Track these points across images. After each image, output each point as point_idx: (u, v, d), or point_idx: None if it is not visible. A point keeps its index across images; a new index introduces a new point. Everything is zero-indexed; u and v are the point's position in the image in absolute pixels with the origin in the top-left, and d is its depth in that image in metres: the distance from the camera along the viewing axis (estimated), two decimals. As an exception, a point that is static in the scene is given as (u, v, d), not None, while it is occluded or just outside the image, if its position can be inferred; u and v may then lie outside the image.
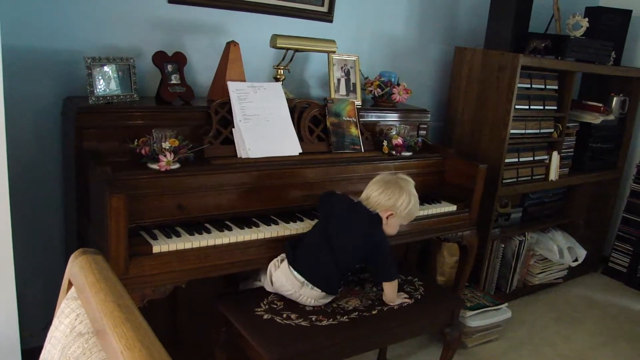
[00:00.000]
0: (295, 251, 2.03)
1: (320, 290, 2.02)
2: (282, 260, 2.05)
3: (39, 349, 1.83)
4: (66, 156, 2.20)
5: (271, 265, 2.06)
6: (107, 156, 2.00)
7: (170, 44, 2.37)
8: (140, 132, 2.05)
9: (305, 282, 2.00)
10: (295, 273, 2.00)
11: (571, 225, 3.79)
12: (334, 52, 2.57)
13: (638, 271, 3.80)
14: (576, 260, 3.53)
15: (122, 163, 2.00)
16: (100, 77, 2.10)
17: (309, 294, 2.01)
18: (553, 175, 3.32)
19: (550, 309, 3.42)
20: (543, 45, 3.05)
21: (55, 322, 0.87)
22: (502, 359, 2.83)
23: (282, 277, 2.02)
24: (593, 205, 3.93)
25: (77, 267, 0.87)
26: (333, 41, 2.54)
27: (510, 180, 3.12)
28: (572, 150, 3.51)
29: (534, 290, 3.55)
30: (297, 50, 2.46)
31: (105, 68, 2.11)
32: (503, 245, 3.31)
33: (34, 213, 2.25)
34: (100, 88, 2.09)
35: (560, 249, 3.47)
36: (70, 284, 0.90)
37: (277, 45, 2.37)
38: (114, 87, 2.14)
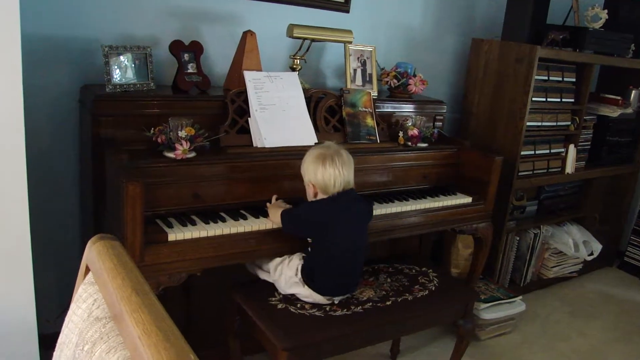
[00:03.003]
0: (322, 279, 1.97)
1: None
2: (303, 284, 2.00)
3: (56, 334, 1.86)
4: (83, 144, 2.22)
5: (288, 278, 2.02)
6: (123, 144, 2.01)
7: (186, 33, 2.37)
8: (157, 120, 2.06)
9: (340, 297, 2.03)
10: (335, 298, 2.02)
11: (586, 219, 3.75)
12: (350, 42, 2.56)
13: (654, 266, 3.77)
14: (591, 254, 3.50)
15: (139, 151, 2.01)
16: (117, 66, 2.10)
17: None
18: (569, 168, 3.29)
19: (564, 303, 3.39)
20: (561, 37, 3.01)
21: (72, 306, 0.88)
22: (515, 352, 2.82)
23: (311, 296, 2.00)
24: (609, 199, 3.89)
25: (94, 253, 0.87)
26: (350, 31, 2.53)
27: (526, 173, 3.09)
28: (589, 143, 3.47)
29: (548, 283, 3.53)
30: (313, 40, 2.46)
31: (122, 57, 2.12)
32: (518, 238, 3.29)
33: (51, 200, 2.27)
34: (117, 76, 2.10)
35: (576, 242, 3.44)
36: (87, 269, 0.91)
37: (294, 34, 2.37)
38: (130, 75, 2.15)
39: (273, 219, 2.01)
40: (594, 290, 3.61)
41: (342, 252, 1.96)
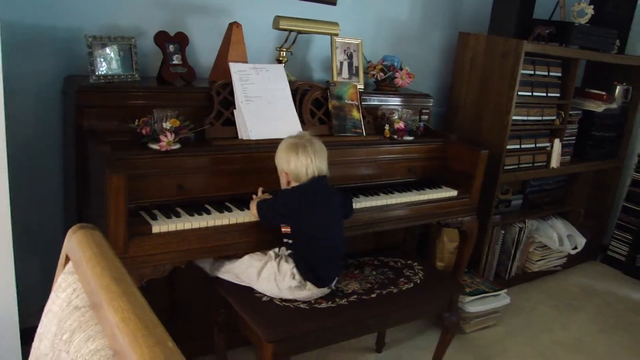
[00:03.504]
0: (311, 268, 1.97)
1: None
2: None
3: (36, 329, 1.84)
4: (66, 134, 2.19)
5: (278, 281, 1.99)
6: (107, 135, 1.99)
7: (172, 24, 2.35)
8: (141, 112, 2.04)
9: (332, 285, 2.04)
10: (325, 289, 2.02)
11: (571, 213, 3.79)
12: (337, 34, 2.55)
13: (637, 260, 3.81)
14: (575, 248, 3.53)
15: (123, 143, 1.99)
16: (101, 56, 2.08)
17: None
18: (554, 162, 3.31)
19: (548, 296, 3.43)
20: (547, 31, 3.03)
21: (52, 296, 0.87)
22: (500, 344, 2.84)
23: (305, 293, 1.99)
24: (593, 193, 3.93)
25: (74, 242, 0.86)
26: (336, 23, 2.52)
27: (511, 167, 3.11)
28: (574, 138, 3.50)
29: (532, 277, 3.56)
30: (299, 32, 2.45)
31: (107, 47, 2.10)
32: (503, 232, 3.31)
33: (33, 191, 2.24)
34: (101, 67, 2.08)
35: (560, 236, 3.47)
36: (67, 259, 0.90)
37: (280, 26, 2.36)
38: (115, 66, 2.13)
39: (252, 211, 2.01)
40: (577, 284, 3.65)
41: (322, 238, 1.98)
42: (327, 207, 2.02)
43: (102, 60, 2.08)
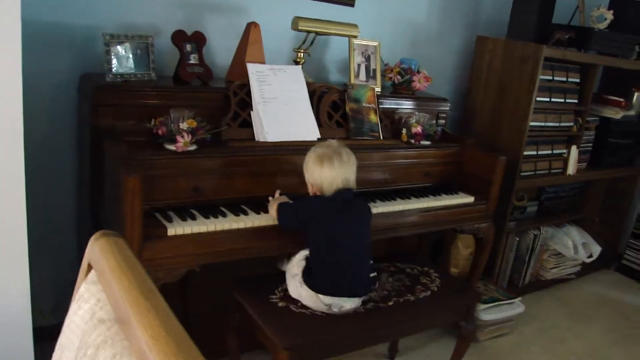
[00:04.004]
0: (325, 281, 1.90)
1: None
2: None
3: (49, 327, 1.82)
4: (81, 133, 2.17)
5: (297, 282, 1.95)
6: (123, 135, 1.97)
7: (189, 24, 2.32)
8: (157, 111, 2.01)
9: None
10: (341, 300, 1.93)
11: (586, 221, 3.74)
12: (356, 36, 2.52)
13: (652, 270, 3.76)
14: (590, 256, 3.48)
15: (138, 143, 1.96)
16: (118, 55, 2.05)
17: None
18: (571, 169, 3.26)
19: (562, 304, 3.38)
20: (567, 37, 2.98)
21: (73, 306, 0.84)
22: (513, 353, 2.79)
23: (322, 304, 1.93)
24: (609, 201, 3.88)
25: (97, 250, 0.83)
26: (355, 25, 2.49)
27: (528, 173, 3.06)
28: (590, 145, 3.45)
29: (546, 285, 3.51)
30: (318, 33, 2.41)
31: (124, 45, 2.07)
32: (518, 239, 3.26)
33: (47, 190, 2.22)
34: (118, 66, 2.05)
35: (575, 244, 3.42)
36: (89, 267, 0.86)
37: (299, 27, 2.32)
38: (131, 65, 2.10)
39: (271, 213, 1.98)
40: (591, 293, 3.60)
41: (342, 251, 1.91)
42: (348, 220, 1.94)
43: (118, 58, 2.06)
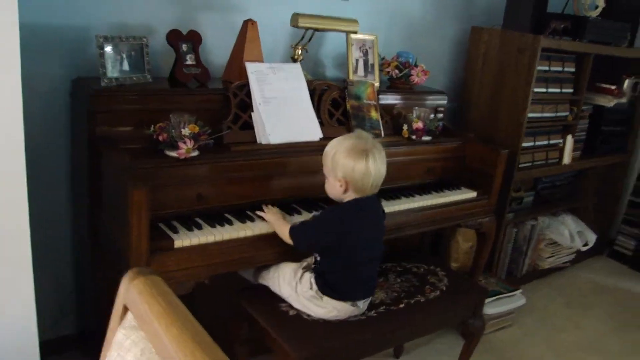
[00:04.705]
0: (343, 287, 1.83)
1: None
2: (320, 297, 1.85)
3: (49, 341, 1.74)
4: (76, 140, 2.08)
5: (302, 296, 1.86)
6: (121, 142, 1.88)
7: (180, 22, 2.23)
8: (156, 116, 1.93)
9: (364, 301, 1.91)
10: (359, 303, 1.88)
11: (580, 209, 3.75)
12: (356, 32, 2.45)
13: (644, 255, 3.80)
14: (586, 244, 3.50)
15: (137, 150, 1.88)
16: (112, 58, 1.96)
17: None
18: (567, 159, 3.26)
19: (559, 293, 3.39)
20: (562, 26, 2.95)
21: (112, 355, 0.77)
22: (517, 345, 2.80)
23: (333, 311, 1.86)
24: (601, 189, 3.89)
25: (135, 292, 0.77)
26: (355, 20, 2.42)
27: (526, 165, 3.05)
28: (584, 133, 3.45)
29: (543, 274, 3.53)
30: (318, 30, 2.34)
31: (118, 47, 1.98)
32: (516, 230, 3.25)
33: (41, 200, 2.12)
34: (113, 69, 1.96)
35: (571, 233, 3.43)
36: (124, 310, 0.80)
37: (299, 24, 2.25)
38: (126, 67, 2.01)
39: (280, 234, 1.84)
40: (587, 280, 3.62)
41: (363, 256, 1.86)
42: (373, 228, 1.87)
43: (113, 61, 1.96)
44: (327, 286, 1.83)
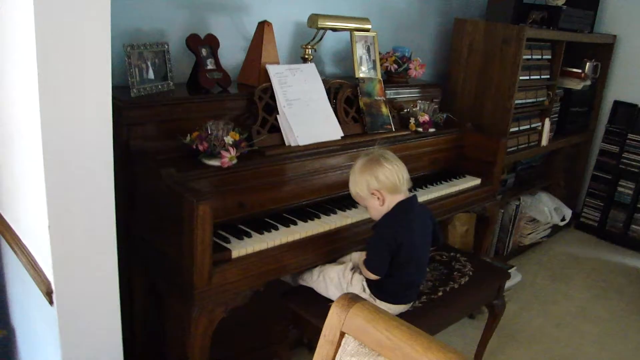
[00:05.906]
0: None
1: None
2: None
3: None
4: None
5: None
6: (156, 154, 1.84)
7: (193, 26, 2.18)
8: (187, 125, 1.90)
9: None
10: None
11: (552, 186, 3.98)
12: (368, 30, 2.48)
13: (607, 225, 4.08)
14: (564, 219, 3.73)
15: (175, 160, 1.83)
16: (138, 66, 1.90)
17: None
18: (545, 140, 3.45)
19: (542, 267, 3.60)
20: (540, 16, 3.11)
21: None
22: (518, 320, 2.95)
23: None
24: (568, 166, 4.14)
25: (359, 319, 0.77)
26: (367, 19, 2.46)
27: (512, 149, 3.20)
28: (556, 115, 3.65)
29: (523, 250, 3.73)
30: (335, 29, 2.35)
31: (143, 55, 1.92)
32: (502, 211, 3.42)
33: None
34: (141, 78, 1.90)
35: (550, 210, 3.65)
36: (341, 336, 0.81)
37: (318, 25, 2.25)
38: (151, 76, 1.96)
39: (364, 274, 1.88)
40: (562, 252, 3.86)
41: (416, 259, 1.90)
42: (422, 228, 1.91)
43: (140, 70, 1.91)
44: (382, 291, 1.88)
